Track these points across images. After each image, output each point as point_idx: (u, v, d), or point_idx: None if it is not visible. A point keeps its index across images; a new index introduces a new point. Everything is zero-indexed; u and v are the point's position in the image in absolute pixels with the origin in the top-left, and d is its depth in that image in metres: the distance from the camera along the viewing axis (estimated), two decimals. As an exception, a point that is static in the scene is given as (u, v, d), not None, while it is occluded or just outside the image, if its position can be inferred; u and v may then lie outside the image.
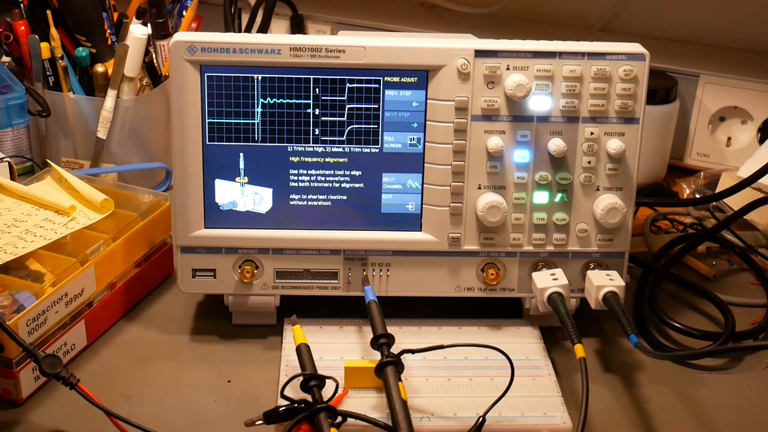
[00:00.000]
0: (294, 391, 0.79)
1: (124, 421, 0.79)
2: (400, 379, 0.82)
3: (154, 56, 1.24)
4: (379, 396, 0.83)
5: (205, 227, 0.92)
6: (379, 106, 0.90)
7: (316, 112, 0.90)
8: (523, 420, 0.82)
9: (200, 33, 0.89)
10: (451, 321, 0.96)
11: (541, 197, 0.92)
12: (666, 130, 1.25)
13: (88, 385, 0.79)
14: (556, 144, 0.90)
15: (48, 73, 1.19)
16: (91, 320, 0.92)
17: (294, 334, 0.87)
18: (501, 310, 0.97)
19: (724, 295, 1.03)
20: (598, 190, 0.92)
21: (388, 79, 0.89)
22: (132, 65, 1.18)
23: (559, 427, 0.82)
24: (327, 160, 0.91)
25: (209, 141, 0.90)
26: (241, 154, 0.91)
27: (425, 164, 0.91)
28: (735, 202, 1.13)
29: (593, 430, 0.84)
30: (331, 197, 0.92)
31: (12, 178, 1.06)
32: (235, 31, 1.39)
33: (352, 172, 0.92)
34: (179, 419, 0.84)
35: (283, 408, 0.77)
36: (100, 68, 1.18)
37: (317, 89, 0.89)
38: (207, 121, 0.89)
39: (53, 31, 1.17)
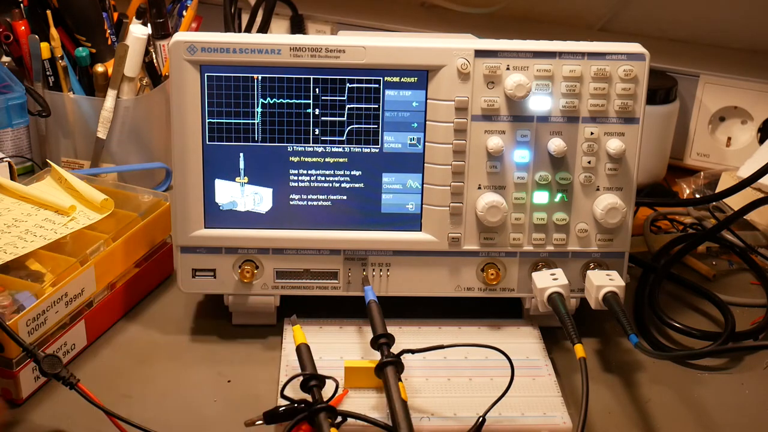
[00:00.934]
0: (294, 391, 0.79)
1: (124, 421, 0.79)
2: (400, 379, 0.82)
3: (154, 56, 1.24)
4: (379, 396, 0.83)
5: (205, 227, 0.92)
6: (379, 106, 0.90)
7: (316, 112, 0.90)
8: (523, 420, 0.82)
9: (200, 33, 0.89)
10: (451, 321, 0.96)
11: (541, 197, 0.92)
12: (666, 130, 1.25)
13: (88, 385, 0.79)
14: (556, 144, 0.90)
15: (48, 73, 1.19)
16: (91, 320, 0.92)
17: (294, 334, 0.87)
18: (501, 310, 0.97)
19: (724, 295, 1.03)
20: (598, 190, 0.92)
21: (388, 79, 0.89)
22: (132, 65, 1.18)
23: (559, 427, 0.82)
24: (327, 160, 0.91)
25: (209, 141, 0.90)
26: (241, 154, 0.91)
27: (425, 164, 0.91)
28: (735, 202, 1.13)
29: (593, 430, 0.84)
30: (331, 197, 0.92)
31: (12, 178, 1.06)
32: (235, 31, 1.40)
33: (352, 172, 0.92)
34: (179, 419, 0.84)
35: (283, 408, 0.77)
36: (100, 68, 1.18)
37: (317, 89, 0.89)
38: (207, 121, 0.89)
39: (53, 31, 1.17)
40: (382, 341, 0.84)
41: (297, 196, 0.92)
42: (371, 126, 0.90)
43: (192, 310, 0.99)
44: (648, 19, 1.41)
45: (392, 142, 0.91)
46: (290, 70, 0.88)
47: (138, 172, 1.21)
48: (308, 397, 0.79)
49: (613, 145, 0.90)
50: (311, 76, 0.89)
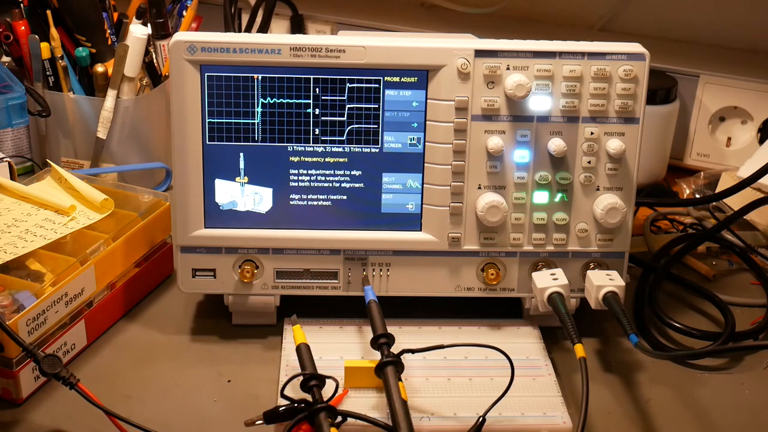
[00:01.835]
0: (294, 391, 0.79)
1: (124, 421, 0.79)
2: (400, 379, 0.82)
3: (154, 56, 1.24)
4: (379, 396, 0.83)
5: (205, 227, 0.92)
6: (379, 106, 0.90)
7: (316, 112, 0.90)
8: (523, 420, 0.82)
9: (200, 33, 0.89)
10: (451, 321, 0.96)
11: (541, 197, 0.92)
12: (666, 130, 1.25)
13: (88, 385, 0.79)
14: (556, 144, 0.90)
15: (48, 73, 1.19)
16: (91, 320, 0.92)
17: (294, 334, 0.87)
18: (501, 310, 0.97)
19: (724, 295, 1.03)
20: (598, 190, 0.92)
21: (388, 79, 0.89)
22: (132, 65, 1.18)
23: (559, 427, 0.82)
24: (327, 160, 0.91)
25: (209, 141, 0.90)
26: (241, 154, 0.91)
27: (425, 164, 0.91)
28: (735, 202, 1.13)
29: (593, 430, 0.84)
30: (331, 197, 0.92)
31: (12, 178, 1.06)
32: (235, 31, 1.40)
33: (352, 172, 0.92)
34: (179, 419, 0.84)
35: (283, 408, 0.77)
36: (100, 68, 1.18)
37: (317, 89, 0.89)
38: (207, 121, 0.89)
39: (53, 31, 1.17)
40: (382, 341, 0.84)
41: (297, 196, 0.92)
42: (371, 126, 0.90)
43: (192, 310, 0.99)
44: (648, 19, 1.41)
45: (392, 142, 0.91)
46: (290, 69, 0.88)
47: (138, 172, 1.21)
48: (308, 397, 0.79)
49: (613, 145, 0.90)
50: (311, 76, 0.89)
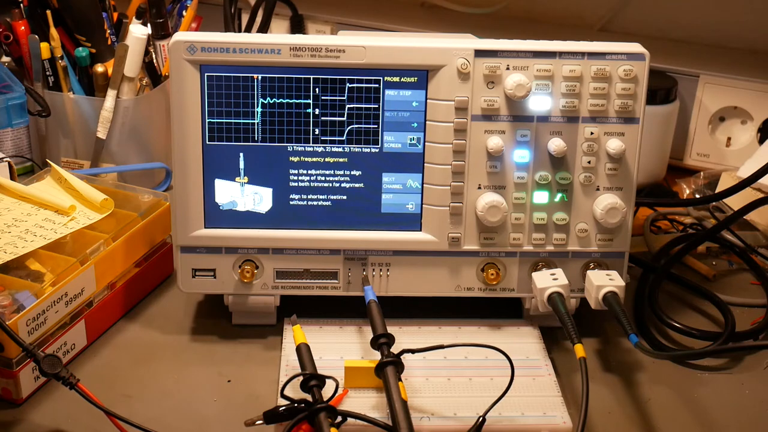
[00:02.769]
0: (294, 391, 0.79)
1: (124, 421, 0.79)
2: (400, 379, 0.82)
3: (154, 56, 1.24)
4: (379, 396, 0.83)
5: (205, 227, 0.92)
6: (379, 106, 0.90)
7: (316, 112, 0.90)
8: (523, 420, 0.82)
9: (200, 33, 0.89)
10: (451, 321, 0.96)
11: (541, 197, 0.92)
12: (666, 130, 1.25)
13: (88, 385, 0.79)
14: (556, 144, 0.90)
15: (48, 73, 1.19)
16: (91, 320, 0.92)
17: (294, 334, 0.87)
18: (501, 310, 0.97)
19: (724, 295, 1.03)
20: (598, 190, 0.92)
21: (388, 79, 0.89)
22: (132, 65, 1.18)
23: (559, 427, 0.82)
24: (327, 160, 0.91)
25: (209, 141, 0.90)
26: (241, 154, 0.91)
27: (425, 164, 0.91)
28: (735, 202, 1.13)
29: (593, 430, 0.84)
30: (331, 197, 0.92)
31: (12, 178, 1.06)
32: (235, 31, 1.40)
33: (352, 172, 0.92)
34: (179, 419, 0.84)
35: (283, 408, 0.77)
36: (100, 68, 1.18)
37: (317, 89, 0.89)
38: (207, 121, 0.89)
39: (53, 31, 1.18)
40: (382, 341, 0.84)
41: (297, 196, 0.92)
42: (371, 126, 0.90)
43: (192, 310, 0.99)
44: (648, 19, 1.41)
45: (392, 141, 0.91)
46: (290, 70, 0.88)
47: (138, 172, 1.21)
48: (308, 397, 0.79)
49: (613, 145, 0.90)
50: (311, 76, 0.89)
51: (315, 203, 0.92)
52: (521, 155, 0.91)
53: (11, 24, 1.20)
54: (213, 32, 0.89)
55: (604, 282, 0.89)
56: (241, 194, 0.92)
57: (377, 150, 0.91)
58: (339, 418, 0.78)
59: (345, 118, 0.90)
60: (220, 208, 0.92)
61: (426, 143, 0.91)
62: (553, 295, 0.89)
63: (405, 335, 0.91)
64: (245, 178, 0.91)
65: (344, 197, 0.92)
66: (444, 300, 0.95)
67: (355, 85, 0.89)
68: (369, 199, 0.92)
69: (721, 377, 0.92)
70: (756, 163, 1.08)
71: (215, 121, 0.90)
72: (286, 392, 0.79)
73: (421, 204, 0.92)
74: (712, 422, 0.85)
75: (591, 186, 0.92)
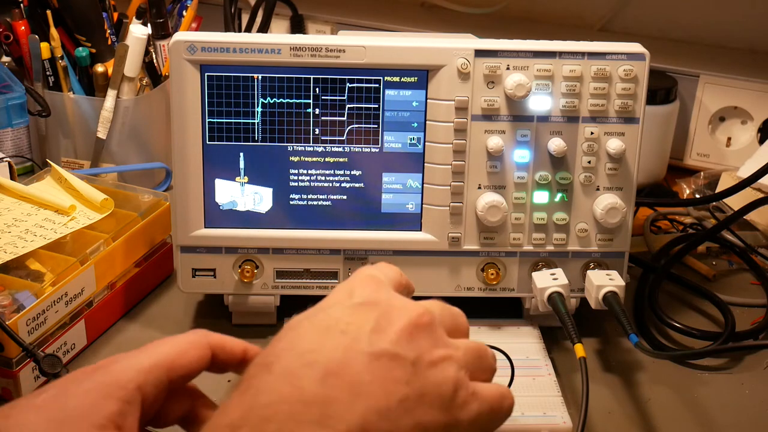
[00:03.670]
0: (294, 391, 0.79)
1: (124, 421, 0.79)
2: (400, 379, 0.81)
3: (154, 56, 1.24)
4: (379, 396, 0.83)
5: (205, 227, 0.92)
6: (379, 105, 0.90)
7: (316, 112, 0.90)
8: (523, 420, 0.82)
9: (200, 33, 0.89)
10: (451, 321, 0.95)
11: (541, 197, 0.92)
12: (666, 130, 1.25)
13: (88, 385, 0.79)
14: (556, 144, 0.90)
15: (48, 73, 1.19)
16: (91, 320, 0.92)
17: (294, 333, 0.86)
18: (501, 310, 0.97)
19: (724, 295, 1.02)
20: (598, 189, 0.92)
21: (388, 78, 0.89)
22: (132, 65, 1.18)
23: (559, 427, 0.82)
24: (327, 159, 0.91)
25: (209, 141, 0.90)
26: (241, 154, 0.91)
27: (425, 164, 0.91)
28: (735, 202, 1.13)
29: (593, 430, 0.84)
30: (331, 197, 0.92)
31: (12, 178, 1.06)
32: (235, 31, 1.40)
33: (352, 172, 0.92)
34: (179, 419, 0.83)
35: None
36: (100, 68, 1.18)
37: (317, 89, 0.89)
38: (207, 121, 0.89)
39: (53, 31, 1.18)
40: (382, 341, 0.84)
41: (297, 196, 0.92)
42: (371, 126, 0.90)
43: (192, 310, 0.99)
44: (648, 19, 1.41)
45: (392, 141, 0.91)
46: (290, 69, 0.89)
47: (138, 172, 1.21)
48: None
49: (613, 145, 0.90)
50: (311, 76, 0.89)
51: (315, 203, 0.92)
52: (521, 155, 0.91)
53: (11, 24, 1.20)
54: (213, 32, 0.89)
55: (604, 282, 0.89)
56: (241, 194, 0.92)
57: (377, 150, 0.91)
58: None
59: (345, 118, 0.90)
60: (220, 208, 0.92)
61: (426, 143, 0.91)
62: (553, 295, 0.89)
63: (405, 335, 0.91)
64: (245, 178, 0.91)
65: (344, 197, 0.92)
66: (444, 300, 0.95)
67: (355, 85, 0.89)
68: (369, 199, 0.92)
69: (721, 377, 0.92)
70: (756, 163, 1.08)
71: (215, 121, 0.90)
72: (286, 392, 0.79)
73: (421, 204, 0.92)
74: (712, 422, 0.85)
75: (591, 186, 0.92)
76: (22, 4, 1.19)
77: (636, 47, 0.90)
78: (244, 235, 0.92)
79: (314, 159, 0.91)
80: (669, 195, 1.25)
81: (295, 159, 0.91)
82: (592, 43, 0.90)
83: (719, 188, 1.20)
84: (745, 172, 1.12)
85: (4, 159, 1.07)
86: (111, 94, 1.18)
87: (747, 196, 1.08)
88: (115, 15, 1.24)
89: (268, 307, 0.95)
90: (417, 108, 0.90)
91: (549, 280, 0.90)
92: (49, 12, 1.17)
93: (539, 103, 0.90)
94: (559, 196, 0.92)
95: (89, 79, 1.20)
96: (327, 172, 0.91)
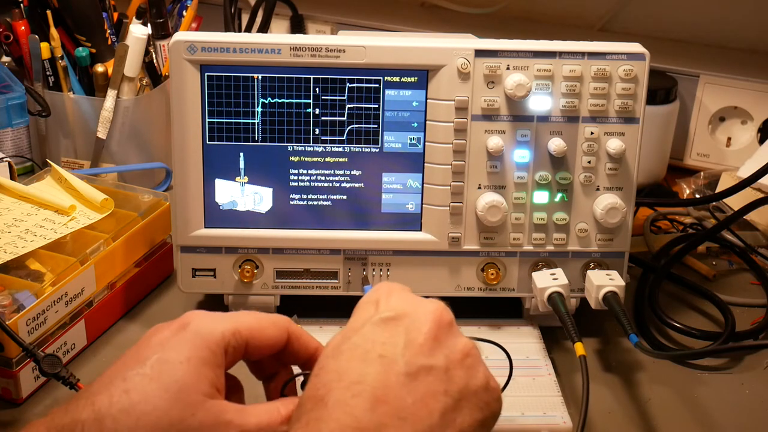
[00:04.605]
0: (294, 391, 0.79)
1: (124, 421, 0.79)
2: (400, 379, 0.82)
3: (154, 56, 1.24)
4: (379, 396, 0.83)
5: (205, 227, 0.92)
6: (379, 105, 0.90)
7: (316, 112, 0.90)
8: (523, 420, 0.82)
9: (200, 33, 0.89)
10: (451, 321, 0.95)
11: (541, 197, 0.92)
12: (666, 130, 1.25)
13: (88, 385, 0.79)
14: (556, 144, 0.90)
15: (48, 73, 1.19)
16: (91, 320, 0.92)
17: (294, 333, 0.86)
18: (501, 310, 0.97)
19: (724, 295, 1.02)
20: (598, 189, 0.92)
21: (388, 78, 0.89)
22: (132, 65, 1.18)
23: (559, 426, 0.82)
24: (327, 159, 0.91)
25: (209, 141, 0.90)
26: (241, 154, 0.91)
27: (425, 164, 0.91)
28: (735, 202, 1.13)
29: (593, 430, 0.84)
30: (331, 197, 0.92)
31: (12, 178, 1.06)
32: (235, 31, 1.40)
33: (352, 172, 0.92)
34: (179, 419, 0.83)
35: (283, 408, 0.77)
36: (100, 68, 1.18)
37: (317, 89, 0.89)
38: (207, 121, 0.89)
39: (53, 31, 1.18)
40: (382, 341, 0.84)
41: (297, 196, 0.92)
42: (371, 126, 0.90)
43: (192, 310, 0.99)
44: (648, 19, 1.41)
45: (392, 141, 0.91)
46: (290, 69, 0.89)
47: (138, 172, 1.21)
48: (308, 397, 0.79)
49: (613, 144, 0.90)
50: (311, 76, 0.89)
51: (315, 203, 0.92)
52: (521, 155, 0.91)
53: (11, 24, 1.20)
54: (213, 32, 0.89)
55: (604, 282, 0.89)
56: (241, 194, 0.92)
57: (377, 150, 0.91)
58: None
59: (345, 118, 0.90)
60: (220, 207, 0.92)
61: (426, 143, 0.91)
62: (553, 294, 0.89)
63: (405, 335, 0.91)
64: (245, 177, 0.91)
65: (344, 197, 0.92)
66: (444, 300, 0.95)
67: (355, 85, 0.89)
68: (369, 199, 0.92)
69: (721, 377, 0.92)
70: (756, 163, 1.08)
71: (215, 120, 0.90)
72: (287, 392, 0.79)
73: (421, 204, 0.92)
74: (712, 422, 0.86)
75: (591, 186, 0.92)
76: (22, 4, 1.19)
77: (636, 47, 0.90)
78: (244, 235, 0.92)
79: (314, 159, 0.91)
80: (669, 195, 1.25)
81: (295, 159, 0.91)
82: (592, 43, 0.90)
83: (719, 188, 1.20)
84: (745, 172, 1.12)
85: (4, 159, 1.07)
86: (111, 94, 1.18)
87: (747, 196, 1.08)
88: (115, 15, 1.24)
89: (268, 307, 0.95)
90: (417, 108, 0.90)
91: (549, 280, 0.90)
92: (49, 12, 1.17)
93: (539, 103, 0.90)
94: (559, 196, 0.92)
95: (89, 79, 1.20)
96: (327, 172, 0.91)
